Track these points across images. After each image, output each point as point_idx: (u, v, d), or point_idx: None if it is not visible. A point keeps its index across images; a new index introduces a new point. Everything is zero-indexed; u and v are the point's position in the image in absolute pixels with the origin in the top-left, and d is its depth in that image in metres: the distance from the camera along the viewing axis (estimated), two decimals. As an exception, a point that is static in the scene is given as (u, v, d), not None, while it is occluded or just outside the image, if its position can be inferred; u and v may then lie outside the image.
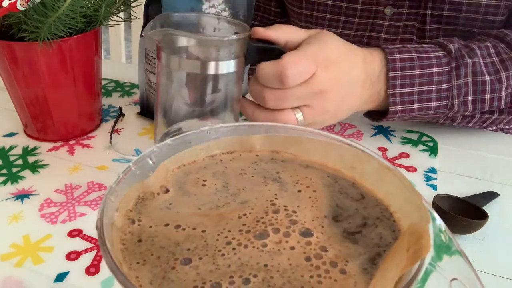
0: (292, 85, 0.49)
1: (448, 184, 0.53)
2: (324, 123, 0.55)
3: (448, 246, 0.25)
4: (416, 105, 0.56)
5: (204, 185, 0.32)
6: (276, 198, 0.31)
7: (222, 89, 0.51)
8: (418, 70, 0.55)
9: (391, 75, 0.55)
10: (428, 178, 0.54)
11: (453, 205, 0.47)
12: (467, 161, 0.58)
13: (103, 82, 0.75)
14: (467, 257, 0.25)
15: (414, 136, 0.63)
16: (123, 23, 0.67)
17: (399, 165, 0.57)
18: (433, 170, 0.56)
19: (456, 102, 0.57)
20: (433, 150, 0.60)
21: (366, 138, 0.62)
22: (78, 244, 0.44)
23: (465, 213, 0.45)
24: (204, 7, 0.58)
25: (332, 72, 0.52)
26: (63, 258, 0.42)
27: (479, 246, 0.45)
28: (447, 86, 0.56)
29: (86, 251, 0.43)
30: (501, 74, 0.56)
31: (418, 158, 0.58)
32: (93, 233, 0.45)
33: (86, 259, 0.42)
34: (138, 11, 0.61)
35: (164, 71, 0.50)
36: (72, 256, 0.43)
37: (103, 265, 0.42)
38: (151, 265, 0.25)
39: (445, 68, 0.56)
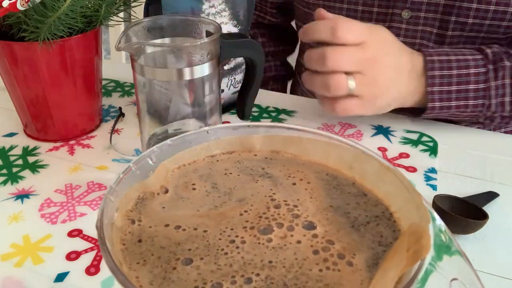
0: (342, 37, 0.52)
1: (448, 184, 0.53)
2: (372, 100, 0.57)
3: (448, 246, 0.25)
4: (453, 103, 0.60)
5: (194, 188, 0.32)
6: (274, 193, 0.31)
7: (201, 91, 0.51)
8: (455, 71, 0.59)
9: (429, 74, 0.59)
10: (428, 178, 0.54)
11: (453, 205, 0.47)
12: (467, 161, 0.58)
13: (103, 82, 0.75)
14: (467, 257, 0.25)
15: (414, 136, 0.63)
16: (123, 23, 0.67)
17: (399, 165, 0.57)
18: (433, 170, 0.56)
19: (494, 102, 0.60)
20: (433, 150, 0.60)
21: (366, 138, 0.62)
22: (78, 244, 0.44)
23: (465, 213, 0.45)
24: (204, 7, 0.59)
25: (383, 45, 0.56)
26: (63, 258, 0.42)
27: (479, 246, 0.45)
28: (484, 86, 0.59)
29: (86, 251, 0.43)
30: None
31: (418, 158, 0.58)
32: (93, 233, 0.45)
33: (86, 259, 0.42)
34: (138, 11, 0.61)
35: (140, 80, 0.50)
36: (72, 256, 0.43)
37: (103, 265, 0.42)
38: (151, 265, 0.25)
39: (481, 70, 0.59)
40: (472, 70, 0.59)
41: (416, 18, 0.67)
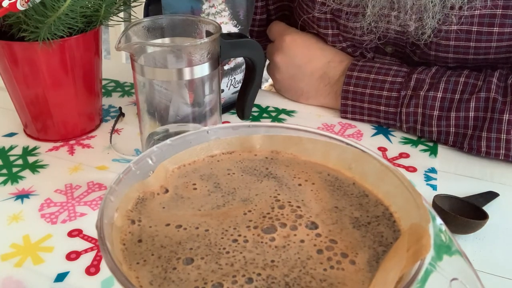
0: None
1: (448, 184, 0.53)
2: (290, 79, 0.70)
3: (448, 246, 0.25)
4: (365, 118, 0.65)
5: (195, 188, 0.32)
6: (279, 194, 0.31)
7: (201, 91, 0.51)
8: (369, 90, 0.63)
9: (344, 88, 0.64)
10: (428, 178, 0.54)
11: (453, 205, 0.47)
12: (467, 161, 0.58)
13: (103, 82, 0.75)
14: (467, 257, 0.25)
15: (414, 136, 0.63)
16: (123, 23, 0.67)
17: (399, 165, 0.57)
18: (433, 170, 0.56)
19: (405, 126, 0.62)
20: (433, 150, 0.60)
21: (366, 138, 0.62)
22: (78, 244, 0.44)
23: (465, 213, 0.45)
24: (204, 7, 0.59)
25: (305, 50, 0.69)
26: (63, 258, 0.42)
27: (479, 246, 0.45)
28: (393, 110, 0.62)
29: (86, 251, 0.43)
30: (451, 113, 0.58)
31: (418, 158, 0.58)
32: (93, 233, 0.45)
33: (86, 259, 0.42)
34: (138, 11, 0.61)
35: (140, 80, 0.50)
36: (72, 256, 0.43)
37: (103, 265, 0.42)
38: (152, 265, 0.25)
39: (394, 94, 0.61)
40: (385, 93, 0.62)
41: (401, 52, 0.66)
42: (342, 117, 0.66)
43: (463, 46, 0.60)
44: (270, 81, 0.95)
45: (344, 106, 0.65)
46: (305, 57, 0.68)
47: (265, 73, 0.82)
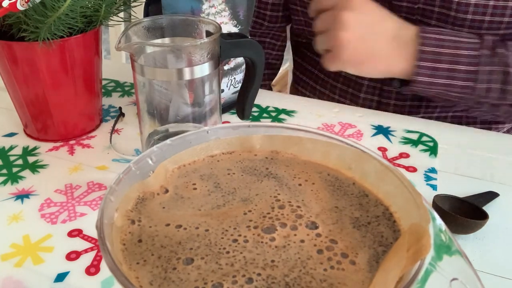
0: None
1: (448, 184, 0.53)
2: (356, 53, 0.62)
3: (448, 246, 0.25)
4: (440, 80, 0.62)
5: (195, 188, 0.32)
6: (279, 194, 0.31)
7: (201, 91, 0.51)
8: (447, 50, 0.61)
9: (420, 49, 0.61)
10: (428, 178, 0.54)
11: (453, 205, 0.47)
12: (467, 161, 0.58)
13: (103, 82, 0.75)
14: (467, 257, 0.25)
15: (414, 136, 0.63)
16: (123, 23, 0.67)
17: (399, 165, 0.57)
18: (433, 170, 0.56)
19: (479, 86, 0.61)
20: (433, 150, 0.60)
21: (366, 138, 0.62)
22: (78, 244, 0.44)
23: (465, 213, 0.45)
24: (204, 7, 0.59)
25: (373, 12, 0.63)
26: (63, 258, 0.42)
27: (479, 246, 0.45)
28: (473, 69, 0.61)
29: (86, 251, 0.43)
30: None
31: (418, 158, 0.58)
32: (93, 233, 0.45)
33: (86, 259, 0.42)
34: (138, 11, 0.61)
35: (140, 80, 0.50)
36: (72, 256, 0.43)
37: (103, 265, 0.42)
38: (152, 265, 0.25)
39: (473, 52, 0.61)
40: (463, 52, 0.61)
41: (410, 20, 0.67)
42: (412, 81, 0.63)
43: (478, 20, 0.63)
44: (281, 69, 0.93)
45: (418, 68, 0.62)
46: (378, 14, 0.63)
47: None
